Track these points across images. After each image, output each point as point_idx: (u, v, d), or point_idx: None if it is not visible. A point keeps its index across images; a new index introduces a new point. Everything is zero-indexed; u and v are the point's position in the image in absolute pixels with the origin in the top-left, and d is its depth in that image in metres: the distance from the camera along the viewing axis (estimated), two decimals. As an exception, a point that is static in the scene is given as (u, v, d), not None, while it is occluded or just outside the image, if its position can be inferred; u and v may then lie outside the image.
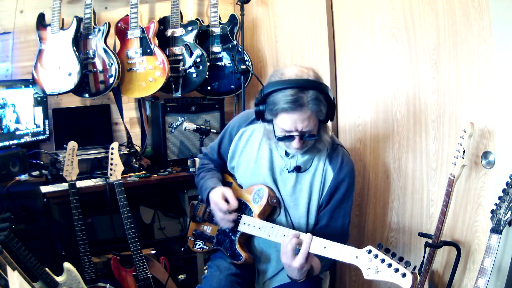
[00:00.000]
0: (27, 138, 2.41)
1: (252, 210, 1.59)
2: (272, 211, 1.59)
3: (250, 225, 1.55)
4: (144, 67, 2.58)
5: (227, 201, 1.58)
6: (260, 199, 1.57)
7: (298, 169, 1.57)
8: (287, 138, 1.46)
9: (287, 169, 1.59)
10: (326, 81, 2.24)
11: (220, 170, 1.80)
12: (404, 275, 1.16)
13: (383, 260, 1.20)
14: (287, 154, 1.58)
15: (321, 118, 1.44)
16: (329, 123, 1.53)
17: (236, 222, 1.59)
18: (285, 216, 1.58)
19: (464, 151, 1.49)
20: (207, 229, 1.77)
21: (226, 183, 1.75)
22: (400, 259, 1.19)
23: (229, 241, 1.64)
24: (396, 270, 1.17)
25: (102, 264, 2.43)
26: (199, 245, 1.77)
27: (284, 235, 1.44)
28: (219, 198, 1.59)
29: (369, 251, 1.24)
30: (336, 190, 1.56)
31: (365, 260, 1.24)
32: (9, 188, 2.14)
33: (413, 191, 1.89)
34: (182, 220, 2.86)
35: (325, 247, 1.33)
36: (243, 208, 1.62)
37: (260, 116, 1.49)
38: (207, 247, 1.74)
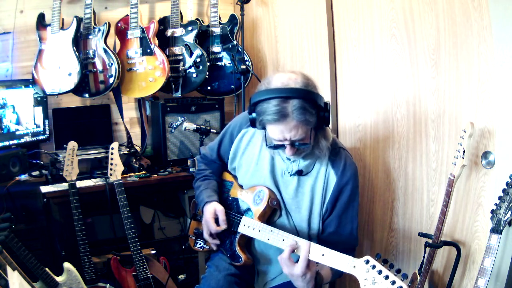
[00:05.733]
0: (27, 138, 2.41)
1: (252, 212, 1.58)
2: (272, 213, 1.58)
3: (250, 227, 1.54)
4: (144, 67, 2.58)
5: (218, 220, 1.59)
6: (261, 201, 1.56)
7: (300, 173, 1.56)
8: (279, 146, 1.45)
9: (288, 172, 1.58)
10: (326, 81, 2.26)
11: (217, 173, 1.79)
12: None
13: (380, 272, 1.19)
14: (288, 157, 1.57)
15: (309, 126, 1.40)
16: (330, 127, 1.52)
17: (236, 223, 1.59)
18: (288, 219, 1.57)
19: (464, 151, 1.49)
20: (208, 229, 1.77)
21: (226, 182, 1.75)
22: (398, 271, 1.19)
23: (229, 242, 1.64)
24: (393, 282, 1.16)
25: (102, 264, 2.43)
26: (200, 244, 1.77)
27: (283, 240, 1.42)
28: (210, 217, 1.59)
29: (367, 261, 1.23)
30: (340, 195, 1.54)
31: (362, 270, 1.23)
32: (9, 188, 2.13)
33: (413, 191, 1.89)
34: (182, 220, 2.86)
35: (323, 255, 1.32)
36: (243, 209, 1.62)
37: (253, 124, 1.47)
38: (208, 247, 1.74)
